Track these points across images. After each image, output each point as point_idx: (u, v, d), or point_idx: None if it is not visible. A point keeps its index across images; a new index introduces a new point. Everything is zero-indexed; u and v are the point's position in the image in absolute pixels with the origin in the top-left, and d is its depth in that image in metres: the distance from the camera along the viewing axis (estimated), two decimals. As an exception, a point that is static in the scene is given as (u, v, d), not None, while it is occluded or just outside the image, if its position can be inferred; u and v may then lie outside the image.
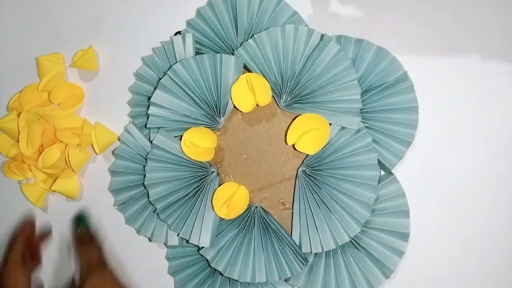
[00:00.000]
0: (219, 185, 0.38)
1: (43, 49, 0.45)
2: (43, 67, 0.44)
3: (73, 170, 0.43)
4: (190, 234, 0.38)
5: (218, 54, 0.37)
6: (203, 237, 0.38)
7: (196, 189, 0.39)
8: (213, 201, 0.37)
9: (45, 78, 0.43)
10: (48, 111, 0.43)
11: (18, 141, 0.43)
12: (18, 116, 0.44)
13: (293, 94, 0.37)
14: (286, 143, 0.37)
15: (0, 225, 0.47)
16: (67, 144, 0.43)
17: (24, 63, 0.46)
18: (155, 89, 0.39)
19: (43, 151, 0.43)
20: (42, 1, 0.46)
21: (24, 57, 0.46)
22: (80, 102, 0.45)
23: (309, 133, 0.36)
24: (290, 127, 0.36)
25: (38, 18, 0.46)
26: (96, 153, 0.43)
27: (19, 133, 0.43)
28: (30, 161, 0.43)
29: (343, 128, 0.36)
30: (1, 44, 0.47)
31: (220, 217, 0.38)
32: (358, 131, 0.36)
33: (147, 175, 0.39)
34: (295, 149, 0.36)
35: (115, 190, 0.42)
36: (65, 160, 0.42)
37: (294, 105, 0.37)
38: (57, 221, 0.45)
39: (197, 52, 0.39)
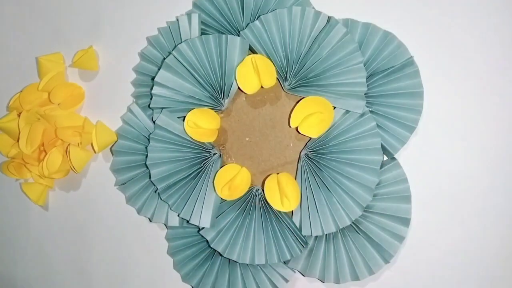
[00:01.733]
0: (221, 167, 0.38)
1: (43, 49, 0.45)
2: (43, 67, 0.44)
3: (75, 171, 0.43)
4: (191, 215, 0.38)
5: (224, 35, 0.37)
6: (204, 218, 0.38)
7: (198, 170, 0.38)
8: (214, 182, 0.37)
9: (45, 78, 0.43)
10: (48, 110, 0.43)
11: (18, 140, 0.43)
12: (18, 116, 0.44)
13: (298, 77, 0.37)
14: (290, 126, 0.37)
15: (0, 224, 0.47)
16: (68, 144, 0.43)
17: (24, 63, 0.46)
18: (159, 69, 0.38)
19: (43, 150, 0.43)
20: (42, 1, 0.46)
21: (24, 57, 0.46)
22: (80, 102, 0.45)
23: (312, 116, 0.35)
24: (294, 109, 0.36)
25: (38, 18, 0.46)
26: (95, 152, 0.43)
27: (19, 133, 0.43)
28: (30, 160, 0.43)
29: (347, 111, 0.36)
30: (1, 44, 0.47)
31: (221, 199, 0.38)
32: (362, 115, 0.35)
33: (149, 155, 0.39)
34: (298, 132, 0.36)
35: (116, 170, 0.42)
36: (68, 160, 0.42)
37: (299, 88, 0.37)
38: (58, 219, 0.45)
39: (203, 33, 0.39)
